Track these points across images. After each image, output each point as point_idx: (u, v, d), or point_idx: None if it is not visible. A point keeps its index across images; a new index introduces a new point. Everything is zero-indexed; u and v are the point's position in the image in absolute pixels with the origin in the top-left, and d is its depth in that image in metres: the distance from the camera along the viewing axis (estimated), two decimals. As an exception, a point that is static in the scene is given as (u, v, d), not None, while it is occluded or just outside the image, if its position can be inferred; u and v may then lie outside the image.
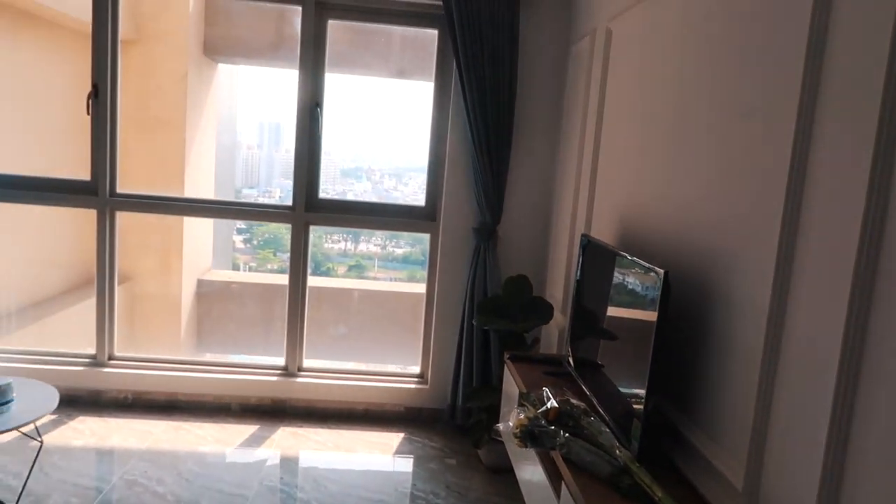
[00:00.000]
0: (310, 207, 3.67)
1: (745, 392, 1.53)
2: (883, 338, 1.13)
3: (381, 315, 5.57)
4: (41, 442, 2.77)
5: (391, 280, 6.52)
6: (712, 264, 1.75)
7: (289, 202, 3.71)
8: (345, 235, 6.98)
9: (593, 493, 1.67)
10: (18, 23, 4.32)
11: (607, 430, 1.90)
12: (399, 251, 6.85)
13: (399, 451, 3.40)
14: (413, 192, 3.71)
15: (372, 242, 7.01)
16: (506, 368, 2.82)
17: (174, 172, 5.24)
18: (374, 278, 6.52)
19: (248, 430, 3.50)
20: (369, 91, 5.49)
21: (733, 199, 1.66)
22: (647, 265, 1.84)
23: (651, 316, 1.76)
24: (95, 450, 3.19)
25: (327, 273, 6.52)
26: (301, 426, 3.59)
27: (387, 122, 6.04)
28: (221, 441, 3.36)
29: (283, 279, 3.79)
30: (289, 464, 3.21)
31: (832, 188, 1.28)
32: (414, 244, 6.51)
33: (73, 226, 4.93)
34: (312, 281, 3.82)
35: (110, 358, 3.76)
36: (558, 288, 3.32)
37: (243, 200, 5.45)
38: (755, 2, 1.62)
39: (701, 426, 1.76)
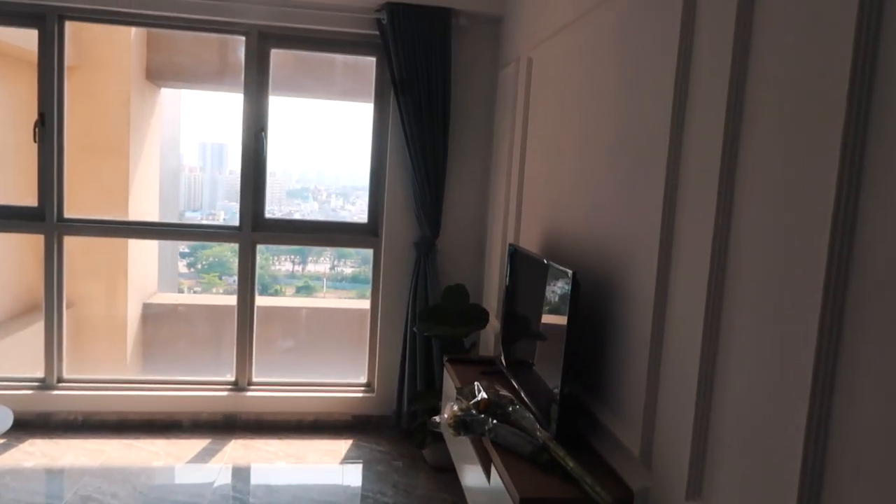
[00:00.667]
0: (256, 227, 3.83)
1: (638, 372, 1.78)
2: (732, 324, 1.39)
3: (329, 331, 5.71)
4: (-6, 461, 2.83)
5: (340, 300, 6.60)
6: (614, 265, 2.01)
7: (234, 223, 3.85)
8: (292, 256, 7.06)
9: (517, 469, 1.90)
10: (-42, 52, 4.35)
11: (530, 415, 2.13)
12: (348, 271, 6.95)
13: (348, 457, 3.56)
14: (360, 211, 3.89)
15: (320, 263, 7.12)
16: (444, 370, 3.03)
17: (119, 197, 5.29)
18: (324, 298, 6.63)
19: (199, 444, 3.61)
20: (314, 113, 5.67)
21: (627, 211, 1.92)
22: (560, 267, 2.09)
23: (558, 311, 2.00)
24: (47, 469, 3.25)
25: (276, 294, 6.60)
26: (252, 438, 3.71)
27: (332, 143, 6.23)
28: (174, 456, 3.46)
29: (230, 300, 3.92)
30: (241, 473, 3.33)
31: (694, 202, 1.55)
32: (361, 263, 6.64)
33: (15, 253, 4.93)
34: (261, 301, 3.96)
35: (59, 380, 3.81)
36: (493, 295, 3.56)
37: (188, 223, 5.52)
38: (638, 46, 1.90)
39: (608, 406, 2.01)
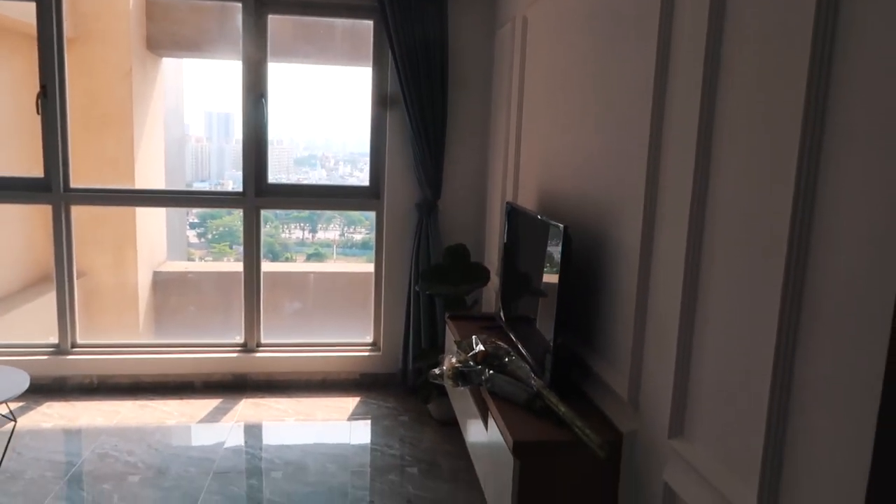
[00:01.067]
0: (260, 192, 3.89)
1: (626, 321, 1.85)
2: (710, 273, 1.44)
3: (336, 294, 5.81)
4: (14, 421, 2.95)
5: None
6: (605, 220, 2.06)
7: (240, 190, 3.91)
8: (302, 224, 7.12)
9: (512, 416, 1.97)
10: (-41, 24, 4.38)
11: (526, 365, 2.20)
12: (357, 237, 7.01)
13: (355, 413, 3.67)
14: (368, 177, 3.95)
15: (330, 230, 7.18)
16: (446, 327, 3.11)
17: (124, 168, 5.35)
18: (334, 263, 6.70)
19: (211, 403, 3.72)
20: (317, 80, 5.68)
21: (616, 167, 1.96)
22: (553, 222, 2.14)
23: (553, 264, 2.06)
24: (65, 430, 3.38)
25: (287, 261, 6.68)
26: (262, 397, 3.83)
27: (338, 110, 6.24)
28: (187, 415, 3.57)
29: (239, 267, 4.00)
30: (252, 429, 3.45)
31: (675, 159, 1.59)
32: (371, 230, 6.71)
33: (24, 225, 5.02)
34: (269, 266, 4.04)
35: (73, 346, 3.92)
36: (494, 253, 3.62)
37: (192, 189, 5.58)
38: (626, 5, 1.92)
39: (600, 354, 2.08)
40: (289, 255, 6.88)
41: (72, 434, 3.34)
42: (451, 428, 3.44)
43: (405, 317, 3.90)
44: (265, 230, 5.38)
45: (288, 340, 4.12)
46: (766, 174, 1.24)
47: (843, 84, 1.05)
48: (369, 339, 4.17)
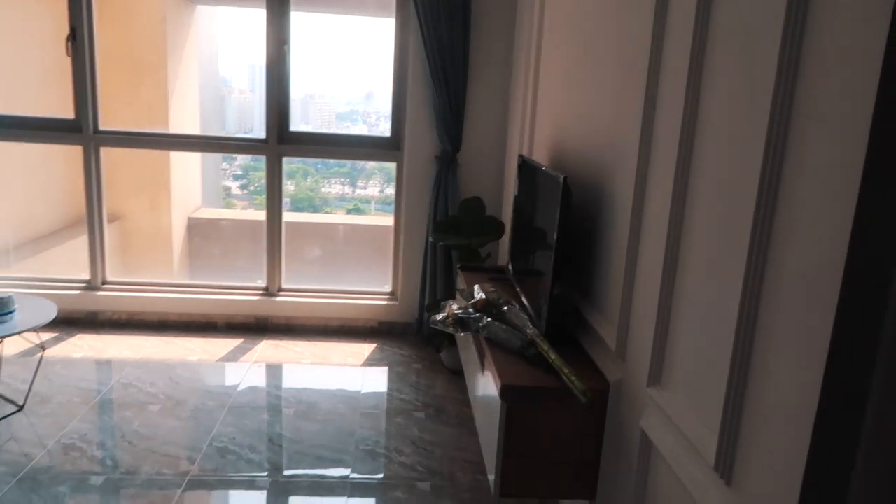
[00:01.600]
0: (282, 140, 3.94)
1: (617, 271, 1.85)
2: (692, 227, 1.44)
3: (361, 245, 5.90)
4: (43, 348, 3.12)
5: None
6: (604, 174, 2.04)
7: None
8: (342, 179, 7.20)
9: (505, 362, 2.02)
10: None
11: (524, 315, 2.23)
12: (391, 192, 7.04)
13: (370, 359, 3.77)
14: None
15: (370, 187, 7.24)
16: (457, 277, 3.15)
17: (158, 115, 5.47)
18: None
19: (233, 343, 3.86)
20: (357, 33, 5.63)
21: (617, 121, 1.94)
22: (553, 173, 2.13)
23: (554, 216, 2.06)
24: (93, 360, 3.55)
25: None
26: (281, 340, 3.95)
27: (379, 64, 6.19)
28: (208, 352, 3.72)
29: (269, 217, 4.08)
30: (269, 369, 3.58)
31: (666, 117, 1.56)
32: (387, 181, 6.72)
33: (63, 166, 5.19)
34: (298, 216, 4.11)
35: (104, 282, 4.09)
36: (510, 207, 3.62)
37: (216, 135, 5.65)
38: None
39: (595, 306, 2.09)
40: (329, 209, 6.98)
41: (99, 364, 3.51)
42: (461, 377, 3.51)
43: (422, 268, 3.96)
44: (306, 184, 5.47)
45: (308, 286, 4.22)
46: (742, 135, 1.22)
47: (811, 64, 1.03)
48: (388, 288, 4.25)
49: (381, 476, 2.66)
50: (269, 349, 3.81)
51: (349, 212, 6.98)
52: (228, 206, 7.08)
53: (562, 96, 2.65)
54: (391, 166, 4.09)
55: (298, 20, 3.84)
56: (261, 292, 4.16)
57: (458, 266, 3.15)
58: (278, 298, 4.11)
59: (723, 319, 1.27)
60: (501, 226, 3.46)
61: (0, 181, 4.61)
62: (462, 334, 2.34)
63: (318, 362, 3.69)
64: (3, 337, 2.77)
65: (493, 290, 2.41)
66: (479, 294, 2.37)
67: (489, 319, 2.23)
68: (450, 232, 3.47)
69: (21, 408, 2.98)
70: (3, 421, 2.88)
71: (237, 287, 4.18)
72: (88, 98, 3.82)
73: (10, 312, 2.90)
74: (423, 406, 3.25)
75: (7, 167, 4.66)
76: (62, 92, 3.97)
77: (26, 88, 4.75)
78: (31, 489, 2.44)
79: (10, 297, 2.92)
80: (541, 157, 2.96)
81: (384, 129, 7.09)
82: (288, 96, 3.91)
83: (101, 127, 3.90)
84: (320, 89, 6.49)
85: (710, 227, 1.36)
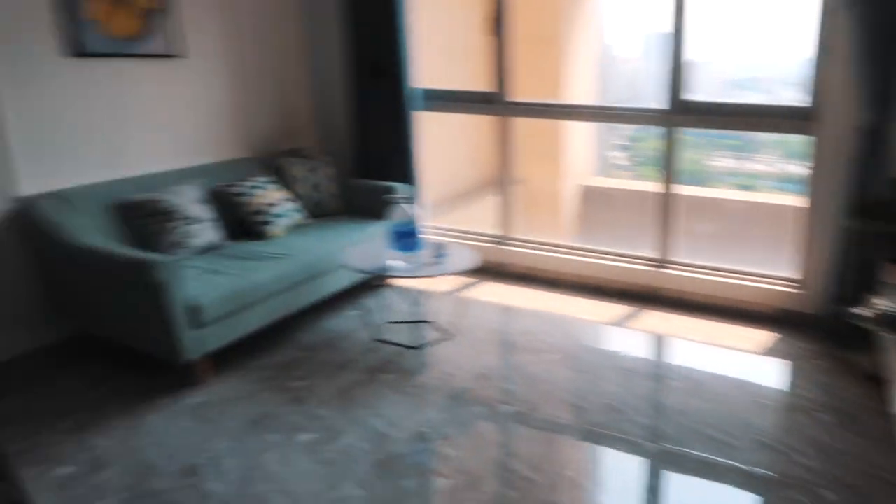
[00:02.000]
0: (679, 110, 3.80)
1: None
2: None
3: (756, 225, 5.43)
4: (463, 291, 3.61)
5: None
6: None
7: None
8: (730, 153, 6.74)
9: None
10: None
11: None
12: (794, 170, 6.33)
13: (768, 348, 3.46)
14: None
15: (761, 162, 6.64)
16: (884, 272, 2.68)
17: (552, 86, 5.79)
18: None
19: (621, 308, 3.94)
20: None
21: None
22: None
23: None
24: (500, 306, 4.00)
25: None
26: (670, 312, 3.87)
27: (776, 24, 5.57)
28: (597, 314, 3.87)
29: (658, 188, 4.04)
30: (657, 340, 3.56)
31: None
32: (805, 162, 5.98)
33: (480, 134, 5.88)
34: (687, 189, 3.97)
35: (508, 239, 4.55)
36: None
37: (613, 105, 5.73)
38: None
39: None
40: (714, 183, 6.62)
41: (504, 310, 3.95)
42: (881, 384, 3.00)
43: (835, 256, 3.45)
44: (691, 155, 5.28)
45: (698, 262, 4.06)
46: None
47: None
48: (793, 274, 3.83)
49: (775, 473, 2.45)
50: (657, 320, 3.79)
51: (739, 188, 6.46)
52: (612, 175, 7.18)
53: None
54: (792, 139, 3.61)
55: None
56: (651, 262, 4.14)
57: (891, 258, 2.66)
58: (669, 270, 4.05)
59: None
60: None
61: (434, 145, 5.44)
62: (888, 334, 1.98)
63: (707, 341, 3.54)
64: (440, 275, 3.29)
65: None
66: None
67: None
68: (878, 217, 2.95)
69: (450, 338, 3.52)
70: (436, 347, 3.45)
71: (627, 255, 4.24)
72: (502, 73, 4.25)
73: (444, 256, 3.41)
74: (829, 409, 2.87)
75: (437, 134, 5.47)
76: (474, 67, 4.48)
77: (454, 65, 5.48)
78: (456, 406, 2.88)
79: (444, 244, 3.44)
80: None
81: (785, 98, 6.30)
82: (681, 64, 3.74)
83: (510, 98, 4.31)
84: (706, 55, 6.04)
85: None
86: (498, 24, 4.21)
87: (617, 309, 3.94)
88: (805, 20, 3.53)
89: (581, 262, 4.29)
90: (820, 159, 3.52)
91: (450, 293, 4.16)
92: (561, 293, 4.17)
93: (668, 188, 3.98)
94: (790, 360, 3.33)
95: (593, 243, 4.42)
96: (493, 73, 4.33)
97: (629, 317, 3.83)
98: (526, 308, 3.94)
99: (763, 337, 3.58)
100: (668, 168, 3.95)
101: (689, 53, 3.76)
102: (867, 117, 3.26)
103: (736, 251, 5.34)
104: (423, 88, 4.42)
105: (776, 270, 3.90)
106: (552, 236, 5.94)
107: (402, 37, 4.24)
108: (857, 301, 3.17)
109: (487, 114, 4.46)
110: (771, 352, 3.42)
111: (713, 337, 3.57)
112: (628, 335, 3.61)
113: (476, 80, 4.75)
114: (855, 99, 3.30)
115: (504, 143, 4.41)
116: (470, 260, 3.39)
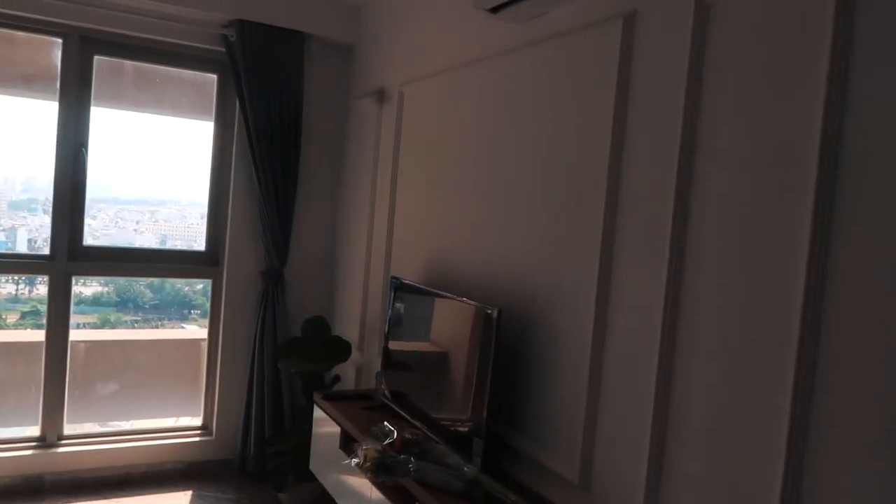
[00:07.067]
0: (73, 256, 3.32)
1: (574, 404, 1.91)
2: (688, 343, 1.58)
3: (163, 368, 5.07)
4: None
5: (80, 326, 5.56)
6: (535, 305, 2.12)
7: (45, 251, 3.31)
8: (15, 277, 5.96)
9: (453, 508, 1.91)
10: None
11: (452, 452, 2.15)
12: (87, 292, 5.96)
13: (191, 511, 3.22)
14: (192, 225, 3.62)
15: (43, 284, 6.04)
16: (317, 408, 2.91)
17: None
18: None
19: (-2, 517, 3.01)
20: (139, 128, 4.87)
21: (558, 259, 2.06)
22: (474, 303, 2.15)
23: (477, 347, 2.07)
24: None
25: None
26: (67, 503, 3.18)
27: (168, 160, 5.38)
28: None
29: (23, 336, 3.35)
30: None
31: (636, 253, 1.72)
32: (106, 283, 5.67)
33: None
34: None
35: None
36: (353, 327, 3.49)
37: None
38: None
39: (532, 438, 2.10)
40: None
41: None
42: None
43: (247, 396, 3.57)
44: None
45: (98, 429, 3.51)
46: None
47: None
48: (198, 421, 3.72)
49: None
50: (54, 518, 3.04)
51: (25, 315, 5.79)
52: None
53: (444, 219, 2.70)
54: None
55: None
56: (33, 444, 3.33)
57: (320, 395, 2.90)
58: (59, 449, 3.33)
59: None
60: (349, 347, 3.31)
61: None
62: (384, 479, 2.16)
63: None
64: None
65: (401, 426, 2.29)
66: (393, 433, 2.23)
67: (416, 460, 2.10)
68: (297, 356, 3.21)
69: None
70: None
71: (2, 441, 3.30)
72: None
73: None
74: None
75: None
76: None
77: None
78: None
79: None
80: (407, 275, 2.91)
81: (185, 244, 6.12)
82: (83, 206, 3.34)
83: None
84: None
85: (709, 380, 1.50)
86: None
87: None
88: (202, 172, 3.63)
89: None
90: (225, 302, 3.60)
91: None
92: None
93: (62, 344, 3.34)
94: (217, 516, 3.18)
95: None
96: None
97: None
98: None
99: (182, 499, 3.32)
100: (63, 325, 3.33)
101: (86, 192, 3.33)
102: (269, 263, 3.54)
103: (144, 404, 4.81)
104: None
105: (187, 418, 3.71)
106: None
107: None
108: (285, 439, 3.31)
109: None
110: (197, 514, 3.20)
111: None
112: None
113: None
114: (256, 247, 3.55)
115: None
116: None
